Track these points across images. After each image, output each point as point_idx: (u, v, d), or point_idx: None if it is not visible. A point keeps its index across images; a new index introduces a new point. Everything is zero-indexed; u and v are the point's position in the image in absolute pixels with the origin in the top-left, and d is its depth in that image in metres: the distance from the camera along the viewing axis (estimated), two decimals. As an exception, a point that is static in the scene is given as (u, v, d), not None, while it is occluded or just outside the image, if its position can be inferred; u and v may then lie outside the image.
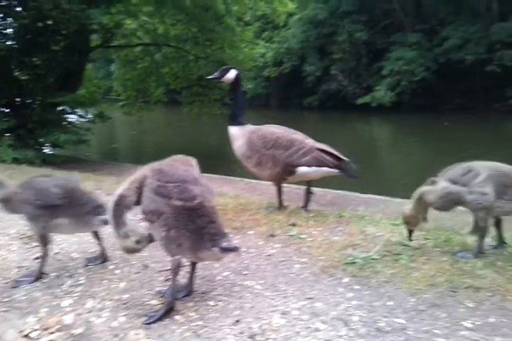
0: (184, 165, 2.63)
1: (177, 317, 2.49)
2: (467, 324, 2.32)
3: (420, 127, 24.27)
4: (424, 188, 3.21)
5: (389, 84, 29.92)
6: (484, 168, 3.04)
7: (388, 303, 2.54)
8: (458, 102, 28.89)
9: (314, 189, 8.21)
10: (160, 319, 2.44)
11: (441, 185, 3.11)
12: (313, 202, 5.00)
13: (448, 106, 28.74)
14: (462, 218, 3.70)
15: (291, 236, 3.65)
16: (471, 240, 3.30)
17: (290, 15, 29.05)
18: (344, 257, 3.13)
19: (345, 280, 2.83)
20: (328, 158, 4.26)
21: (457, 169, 3.12)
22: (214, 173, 10.49)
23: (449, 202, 3.13)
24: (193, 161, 2.70)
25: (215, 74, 4.50)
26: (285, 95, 37.54)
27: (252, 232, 3.81)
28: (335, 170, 4.29)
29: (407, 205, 3.27)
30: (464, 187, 3.02)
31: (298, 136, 4.42)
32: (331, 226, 3.91)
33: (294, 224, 3.94)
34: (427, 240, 3.47)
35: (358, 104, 30.57)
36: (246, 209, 4.59)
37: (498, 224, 3.26)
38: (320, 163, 4.26)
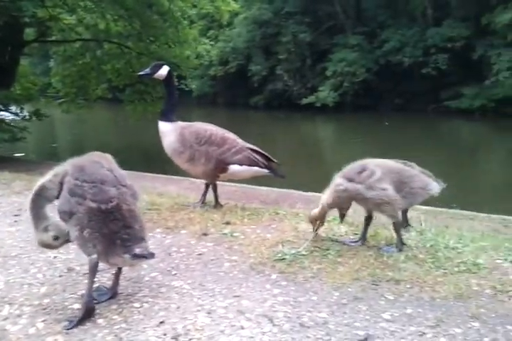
0: (108, 163, 2.55)
1: (99, 320, 2.41)
2: (386, 316, 2.40)
3: (362, 127, 25.06)
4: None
5: (332, 84, 30.72)
6: (378, 166, 3.13)
7: (313, 298, 2.58)
8: (397, 103, 30.10)
9: (259, 188, 8.33)
10: (79, 323, 2.35)
11: (335, 181, 3.20)
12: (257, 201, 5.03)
13: (388, 106, 29.89)
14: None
15: (224, 234, 3.64)
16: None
17: (235, 14, 29.05)
18: (274, 254, 3.16)
19: (273, 276, 2.85)
20: (259, 157, 4.37)
21: (352, 167, 3.20)
22: (159, 173, 10.29)
23: (343, 199, 3.20)
24: (109, 157, 2.60)
25: (147, 71, 4.34)
26: (232, 94, 37.54)
27: (185, 231, 3.75)
28: (265, 170, 4.39)
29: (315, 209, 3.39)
30: (361, 184, 3.09)
31: (230, 134, 4.45)
32: (264, 224, 3.93)
33: (228, 223, 3.93)
34: (355, 235, 3.57)
35: (303, 104, 31.14)
36: (181, 208, 4.53)
37: (368, 219, 3.35)
38: (251, 163, 4.34)
